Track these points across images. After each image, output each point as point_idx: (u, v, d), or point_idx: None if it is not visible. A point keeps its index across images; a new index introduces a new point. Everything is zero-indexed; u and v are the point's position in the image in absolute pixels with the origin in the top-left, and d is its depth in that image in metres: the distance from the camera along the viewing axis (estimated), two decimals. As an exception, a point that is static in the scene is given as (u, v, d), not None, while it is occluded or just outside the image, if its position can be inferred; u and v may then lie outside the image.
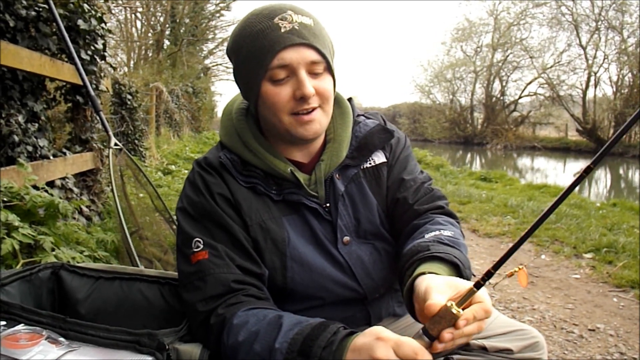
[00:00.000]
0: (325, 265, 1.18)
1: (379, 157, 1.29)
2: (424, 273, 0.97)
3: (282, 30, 1.07)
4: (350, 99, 1.32)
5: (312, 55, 1.09)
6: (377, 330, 0.85)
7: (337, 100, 1.27)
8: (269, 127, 1.18)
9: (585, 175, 0.76)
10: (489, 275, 0.81)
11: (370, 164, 1.27)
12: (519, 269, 0.85)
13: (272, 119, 1.13)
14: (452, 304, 0.80)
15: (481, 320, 0.86)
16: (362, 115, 1.33)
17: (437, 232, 1.12)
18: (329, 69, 1.14)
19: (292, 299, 1.19)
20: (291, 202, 1.18)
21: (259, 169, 1.18)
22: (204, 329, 1.05)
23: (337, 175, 1.22)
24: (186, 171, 8.46)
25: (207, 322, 1.04)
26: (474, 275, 1.08)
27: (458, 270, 1.02)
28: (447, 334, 0.82)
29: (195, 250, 1.10)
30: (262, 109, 1.14)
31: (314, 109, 1.11)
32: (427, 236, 1.12)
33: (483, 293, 0.88)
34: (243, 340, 0.97)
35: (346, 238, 1.21)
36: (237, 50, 1.13)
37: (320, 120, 1.13)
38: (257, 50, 1.08)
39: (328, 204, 1.21)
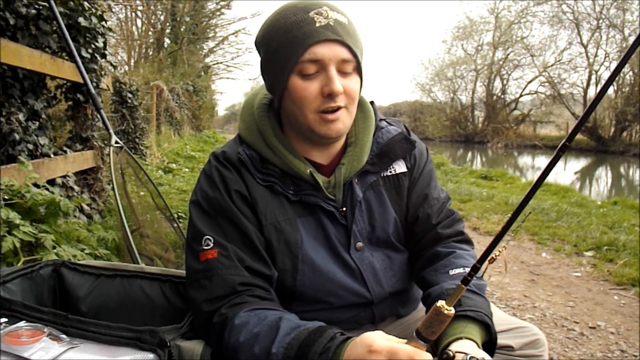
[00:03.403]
0: (336, 271, 1.17)
1: (400, 166, 1.27)
2: (460, 338, 0.97)
3: (317, 24, 1.05)
4: (372, 103, 1.30)
5: (344, 53, 1.07)
6: (370, 339, 0.84)
7: (360, 103, 1.25)
8: (291, 123, 1.17)
9: (561, 154, 0.75)
10: (475, 269, 0.81)
11: (390, 172, 1.26)
12: (499, 252, 0.85)
13: (296, 114, 1.11)
14: (442, 304, 0.79)
15: None
16: (385, 120, 1.31)
17: (461, 270, 1.14)
18: (358, 70, 1.12)
19: (300, 301, 1.18)
20: (307, 204, 1.17)
21: (278, 167, 1.16)
22: (207, 328, 1.05)
23: (356, 181, 1.20)
24: (187, 170, 8.46)
25: (210, 321, 1.04)
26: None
27: (488, 329, 1.03)
28: None
29: (205, 248, 1.09)
30: (288, 103, 1.12)
31: (339, 108, 1.09)
32: (452, 273, 1.14)
33: None
34: (243, 341, 0.98)
35: (359, 244, 1.20)
36: (268, 41, 1.11)
37: (344, 120, 1.12)
38: (289, 42, 1.06)
39: (344, 209, 1.20)
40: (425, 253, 1.25)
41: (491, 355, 1.05)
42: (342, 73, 1.09)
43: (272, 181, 1.15)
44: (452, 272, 1.15)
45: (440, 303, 0.80)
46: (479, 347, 0.98)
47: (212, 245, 1.09)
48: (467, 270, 1.13)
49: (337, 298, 1.18)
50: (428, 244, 1.25)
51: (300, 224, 1.16)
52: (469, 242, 1.30)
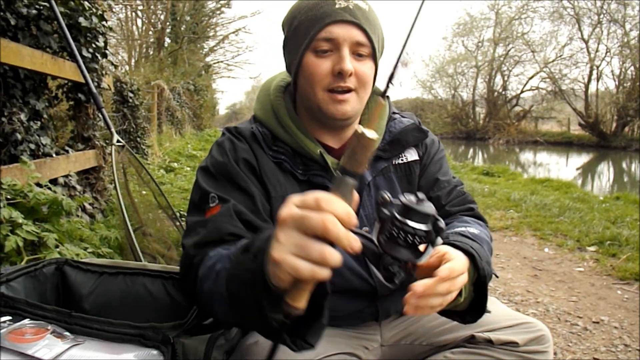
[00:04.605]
0: (341, 251, 1.17)
1: (411, 155, 1.29)
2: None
3: (337, 6, 1.10)
4: (387, 97, 1.33)
5: (359, 35, 1.11)
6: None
7: (376, 93, 1.29)
8: (304, 102, 1.19)
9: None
10: (391, 78, 0.75)
11: (402, 160, 1.28)
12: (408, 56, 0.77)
13: (307, 91, 1.14)
14: (361, 128, 0.69)
15: (449, 281, 0.85)
16: (397, 113, 1.35)
17: (462, 229, 1.14)
18: (374, 57, 1.15)
19: None
20: (315, 184, 1.17)
21: (289, 145, 1.18)
22: (188, 271, 1.02)
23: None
24: (188, 169, 8.47)
25: (191, 262, 1.01)
26: (493, 276, 1.07)
27: (474, 260, 0.99)
28: (418, 287, 0.79)
29: (212, 205, 1.09)
30: (301, 80, 1.15)
31: (349, 90, 1.12)
32: (452, 230, 1.14)
33: (449, 251, 0.90)
34: (210, 265, 0.95)
35: (365, 229, 1.21)
36: (291, 20, 1.16)
37: (352, 103, 1.14)
38: (308, 20, 1.11)
39: None
40: None
41: (483, 296, 1.01)
42: (356, 56, 1.12)
43: (282, 159, 1.17)
44: (452, 230, 1.14)
45: (360, 128, 0.69)
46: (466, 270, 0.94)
47: (217, 202, 1.09)
48: (469, 227, 1.13)
49: (341, 278, 1.18)
50: None
51: None
52: (479, 217, 1.29)
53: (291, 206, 0.66)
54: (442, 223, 0.77)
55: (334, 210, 0.63)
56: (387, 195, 0.80)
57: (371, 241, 0.77)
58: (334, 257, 0.63)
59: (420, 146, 1.31)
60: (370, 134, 0.67)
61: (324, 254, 0.63)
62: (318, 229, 0.62)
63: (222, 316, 0.91)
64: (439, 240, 0.78)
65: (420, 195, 0.77)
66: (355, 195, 0.68)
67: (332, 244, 0.64)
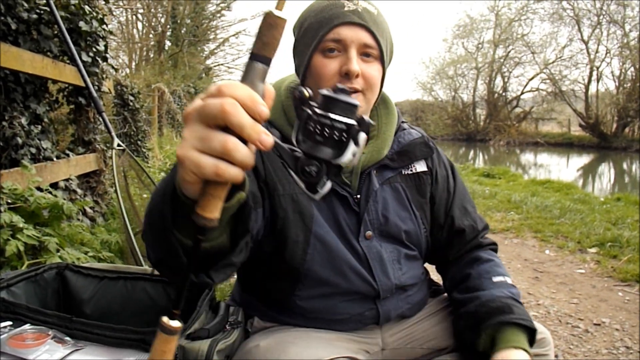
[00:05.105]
0: (345, 252, 1.18)
1: (420, 166, 1.31)
2: (516, 347, 1.10)
3: (345, 8, 1.12)
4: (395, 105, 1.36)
5: (366, 37, 1.12)
6: None
7: (385, 100, 1.30)
8: None
9: None
10: None
11: (411, 170, 1.29)
12: None
13: (315, 92, 1.13)
14: (269, 10, 0.60)
15: None
16: (406, 123, 1.36)
17: (502, 279, 1.25)
18: (381, 59, 1.16)
19: (305, 282, 1.18)
20: None
21: None
22: None
23: (374, 172, 1.23)
24: (189, 171, 8.46)
25: None
26: None
27: (533, 335, 1.14)
28: None
29: None
30: (309, 81, 1.17)
31: (356, 91, 1.13)
32: (494, 280, 1.24)
33: None
34: None
35: (368, 233, 1.21)
36: (301, 23, 1.19)
37: (359, 103, 1.14)
38: (317, 22, 1.14)
39: (358, 196, 1.21)
40: (467, 257, 1.33)
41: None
42: (364, 58, 1.14)
43: None
44: (494, 280, 1.24)
45: (267, 9, 0.60)
46: (529, 355, 1.09)
47: None
48: (507, 279, 1.25)
49: (344, 280, 1.18)
50: (470, 250, 1.34)
51: (314, 204, 1.17)
52: (497, 251, 1.40)
53: (196, 100, 0.60)
54: (367, 118, 0.72)
55: (234, 93, 0.56)
56: (306, 90, 0.73)
57: (290, 146, 0.69)
58: (240, 149, 0.56)
59: (429, 159, 1.33)
60: (277, 12, 0.59)
61: (227, 144, 0.56)
62: (218, 114, 0.55)
63: (148, 248, 0.84)
64: (362, 135, 0.70)
65: (340, 85, 0.72)
66: (268, 86, 0.60)
67: (244, 141, 0.57)
